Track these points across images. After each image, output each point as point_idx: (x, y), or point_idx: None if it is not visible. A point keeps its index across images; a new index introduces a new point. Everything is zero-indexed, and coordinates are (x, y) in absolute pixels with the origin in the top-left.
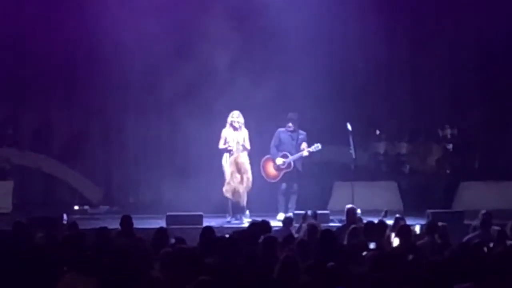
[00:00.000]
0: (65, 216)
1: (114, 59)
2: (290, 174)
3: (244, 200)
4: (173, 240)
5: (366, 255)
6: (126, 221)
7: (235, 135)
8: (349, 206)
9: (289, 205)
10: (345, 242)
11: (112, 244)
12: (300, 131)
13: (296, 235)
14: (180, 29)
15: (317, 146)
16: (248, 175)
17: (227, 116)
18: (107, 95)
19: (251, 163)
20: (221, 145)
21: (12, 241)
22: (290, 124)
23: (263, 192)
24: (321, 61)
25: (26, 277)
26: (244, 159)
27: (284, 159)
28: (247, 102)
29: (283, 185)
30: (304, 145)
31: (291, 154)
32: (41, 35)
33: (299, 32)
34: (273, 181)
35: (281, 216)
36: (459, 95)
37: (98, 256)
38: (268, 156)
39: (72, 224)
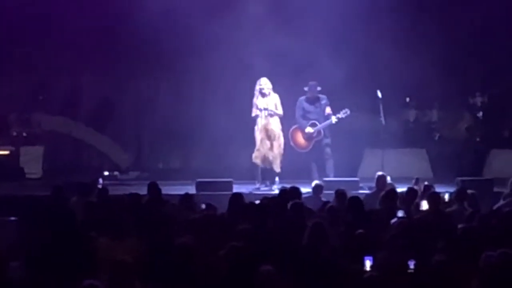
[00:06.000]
0: (100, 181)
1: (146, 26)
2: (321, 142)
3: (276, 167)
4: (203, 206)
5: (394, 222)
6: (153, 188)
7: (264, 102)
8: (380, 173)
9: (327, 171)
10: (377, 207)
11: (144, 210)
12: (321, 96)
13: None
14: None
15: (345, 111)
16: (280, 141)
17: (254, 85)
18: (137, 61)
19: (282, 130)
20: (253, 113)
21: (49, 205)
22: (310, 92)
23: (295, 159)
24: (351, 27)
25: (62, 241)
26: (274, 126)
27: (313, 128)
28: (275, 70)
29: (315, 154)
30: (328, 109)
31: (319, 122)
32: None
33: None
34: (304, 151)
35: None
36: (490, 63)
37: (131, 222)
38: (295, 126)
39: (102, 190)
